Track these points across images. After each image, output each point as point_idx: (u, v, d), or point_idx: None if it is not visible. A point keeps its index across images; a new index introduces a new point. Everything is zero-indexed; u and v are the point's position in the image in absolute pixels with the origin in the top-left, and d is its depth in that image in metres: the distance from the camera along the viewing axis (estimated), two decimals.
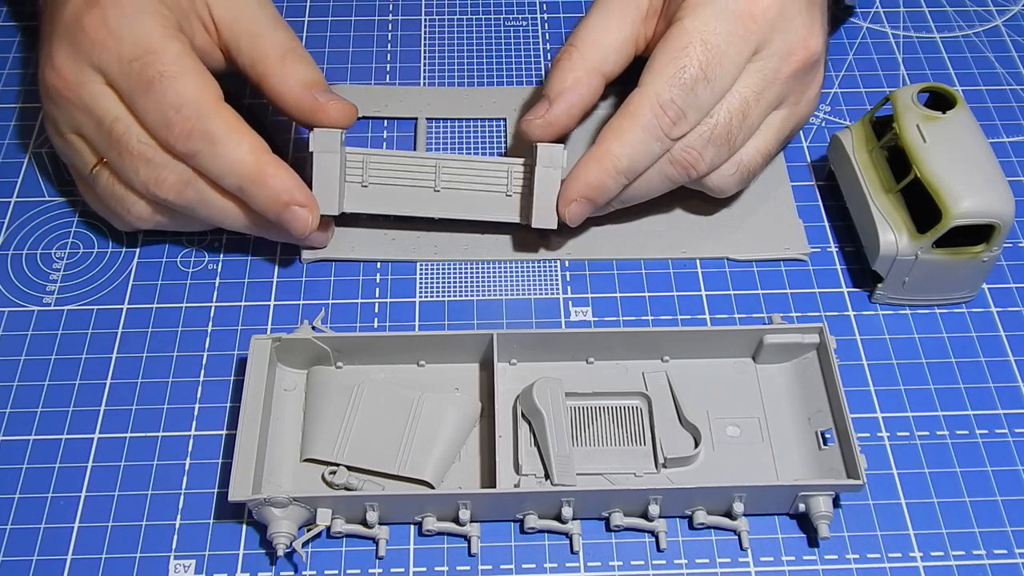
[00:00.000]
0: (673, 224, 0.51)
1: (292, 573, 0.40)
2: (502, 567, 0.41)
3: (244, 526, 0.42)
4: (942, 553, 0.41)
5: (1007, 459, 0.44)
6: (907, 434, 0.44)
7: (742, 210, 0.52)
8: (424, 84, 0.58)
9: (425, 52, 0.60)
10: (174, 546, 0.41)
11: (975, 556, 0.41)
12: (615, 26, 0.49)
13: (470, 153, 0.55)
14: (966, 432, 0.45)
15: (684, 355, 0.45)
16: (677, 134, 0.45)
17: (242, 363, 0.46)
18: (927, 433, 0.45)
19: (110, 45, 0.44)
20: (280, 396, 0.44)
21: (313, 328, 0.44)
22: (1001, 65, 0.59)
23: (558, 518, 0.41)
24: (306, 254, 0.50)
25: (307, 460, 0.42)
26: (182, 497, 0.42)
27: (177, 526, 0.42)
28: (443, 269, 0.50)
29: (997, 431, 0.45)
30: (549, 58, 0.59)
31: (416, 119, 0.56)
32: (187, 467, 0.43)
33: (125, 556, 0.41)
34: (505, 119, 0.56)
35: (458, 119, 0.56)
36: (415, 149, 0.54)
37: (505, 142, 0.55)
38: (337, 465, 0.42)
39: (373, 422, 0.42)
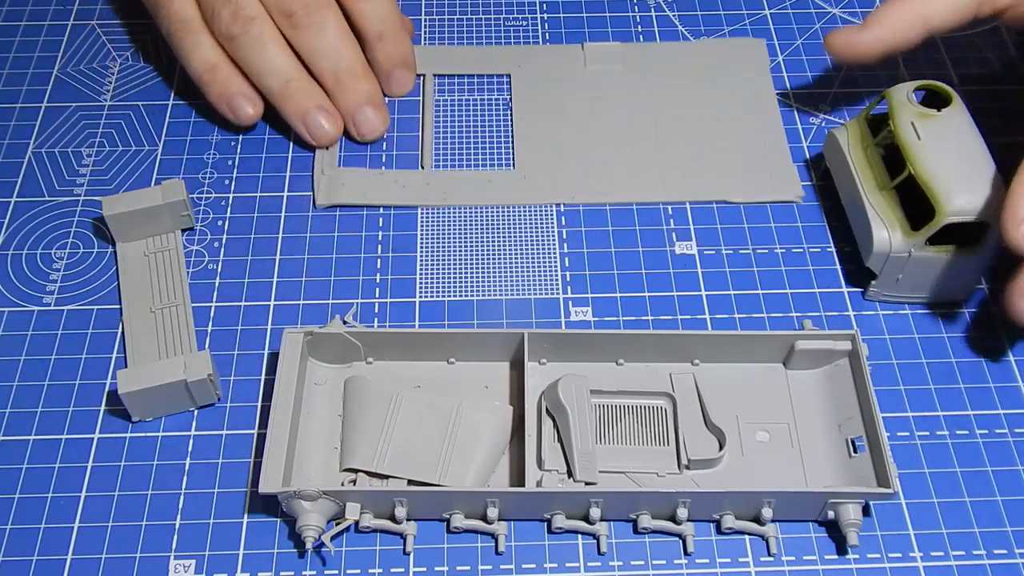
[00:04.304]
0: (667, 168, 0.52)
1: (292, 573, 0.41)
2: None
3: (244, 526, 0.42)
4: (942, 553, 0.41)
5: (1007, 459, 0.44)
6: (907, 434, 0.44)
7: (736, 155, 0.53)
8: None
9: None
10: (174, 546, 0.41)
11: (975, 556, 0.41)
12: None
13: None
14: (966, 432, 0.45)
15: (715, 359, 0.45)
16: None
17: (240, 362, 0.46)
18: (927, 433, 0.45)
19: None
20: (311, 390, 0.44)
21: (344, 323, 0.44)
22: (1001, 65, 0.59)
23: (586, 519, 0.41)
24: (320, 198, 0.51)
25: (347, 470, 0.42)
26: (182, 497, 0.42)
27: (177, 526, 0.42)
28: (443, 269, 0.50)
29: (997, 431, 0.45)
30: None
31: (423, 75, 0.58)
32: (187, 467, 0.43)
33: (125, 556, 0.41)
34: (509, 75, 0.58)
35: (464, 75, 0.58)
36: (422, 106, 0.56)
37: (510, 97, 0.57)
38: (379, 476, 0.41)
39: (412, 432, 0.42)
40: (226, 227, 0.51)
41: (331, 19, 0.52)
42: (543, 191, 0.52)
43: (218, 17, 0.52)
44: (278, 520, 0.42)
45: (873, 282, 0.48)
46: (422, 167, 0.53)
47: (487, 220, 0.52)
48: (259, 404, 0.45)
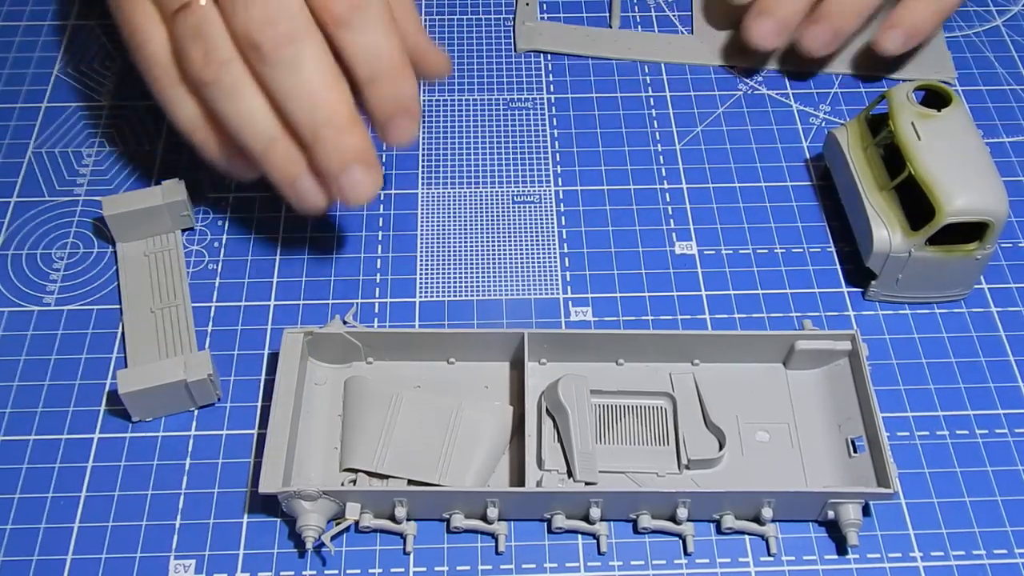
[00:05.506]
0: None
1: (292, 573, 0.41)
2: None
3: (244, 526, 0.42)
4: (942, 553, 0.41)
5: (1007, 459, 0.44)
6: (907, 434, 0.45)
7: None
8: (421, 84, 0.58)
9: None
10: (174, 546, 0.41)
11: (975, 556, 0.41)
12: None
13: None
14: (966, 432, 0.45)
15: (715, 359, 0.45)
16: None
17: (240, 362, 0.46)
18: (927, 433, 0.45)
19: None
20: (311, 390, 0.44)
21: (344, 323, 0.44)
22: (1001, 65, 0.59)
23: (586, 519, 0.41)
24: (521, 44, 0.58)
25: (347, 470, 0.42)
26: (182, 497, 0.42)
27: (177, 526, 0.42)
28: (443, 269, 0.50)
29: (997, 431, 0.45)
30: (549, 58, 0.59)
31: None
32: (187, 467, 0.43)
33: (125, 556, 0.41)
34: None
35: None
36: None
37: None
38: (379, 476, 0.41)
39: (412, 433, 0.42)
40: (226, 227, 0.51)
41: (307, 53, 0.41)
42: (719, 53, 0.58)
43: (188, 57, 0.42)
44: (278, 520, 0.42)
45: (873, 282, 0.48)
46: (611, 27, 0.60)
47: (487, 220, 0.52)
48: (259, 404, 0.45)
